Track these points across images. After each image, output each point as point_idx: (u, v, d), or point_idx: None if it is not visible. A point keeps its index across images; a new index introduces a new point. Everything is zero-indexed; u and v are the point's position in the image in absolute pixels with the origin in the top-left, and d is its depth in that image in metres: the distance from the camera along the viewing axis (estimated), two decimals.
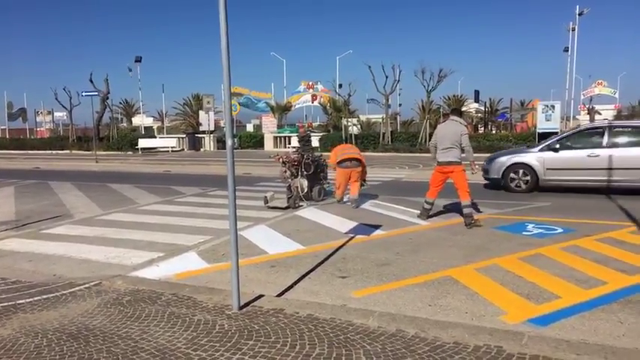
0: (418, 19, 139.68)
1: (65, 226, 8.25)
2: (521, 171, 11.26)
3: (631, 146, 10.56)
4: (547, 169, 11.04)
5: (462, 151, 7.79)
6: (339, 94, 34.43)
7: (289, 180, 9.97)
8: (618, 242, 6.52)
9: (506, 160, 11.60)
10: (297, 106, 41.59)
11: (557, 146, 11.15)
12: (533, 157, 11.24)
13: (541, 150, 11.34)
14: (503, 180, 11.42)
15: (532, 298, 4.61)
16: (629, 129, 11.17)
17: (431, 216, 8.33)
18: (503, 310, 4.34)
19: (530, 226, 7.56)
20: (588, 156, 10.65)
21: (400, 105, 45.03)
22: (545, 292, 4.75)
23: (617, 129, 11.12)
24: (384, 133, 27.55)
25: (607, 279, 5.06)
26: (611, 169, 10.42)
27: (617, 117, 54.63)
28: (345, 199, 9.97)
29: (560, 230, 7.27)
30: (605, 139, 10.72)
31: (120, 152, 31.81)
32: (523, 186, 11.21)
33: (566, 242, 6.57)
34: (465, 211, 7.68)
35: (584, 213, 8.49)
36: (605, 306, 4.38)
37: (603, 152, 10.52)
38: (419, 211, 8.37)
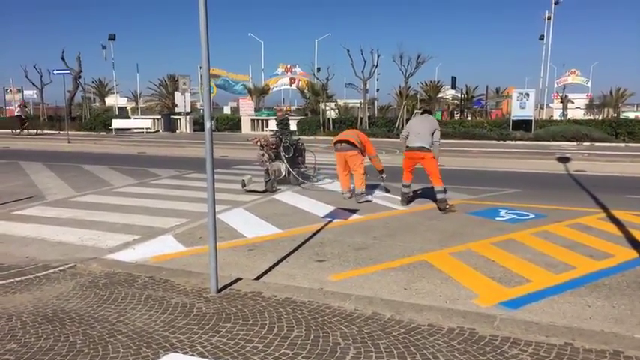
0: (399, 5, 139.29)
1: (38, 208, 8.09)
2: None
3: None
4: None
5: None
6: (317, 78, 34.27)
7: (267, 164, 9.94)
8: (587, 228, 6.72)
9: None
10: (274, 89, 41.25)
11: None
12: None
13: None
14: None
15: (504, 281, 4.74)
16: None
17: (409, 201, 8.43)
18: (476, 294, 4.45)
19: (503, 212, 7.73)
20: None
21: (378, 90, 45.15)
22: (516, 276, 4.89)
23: None
24: (361, 118, 27.59)
25: (576, 264, 5.23)
26: None
27: (589, 105, 55.81)
28: (348, 194, 8.94)
29: (531, 216, 7.45)
30: None
31: (93, 133, 31.15)
32: None
33: (538, 228, 6.74)
34: (439, 196, 7.81)
35: (556, 200, 8.71)
36: (573, 290, 4.52)
37: None
38: (399, 198, 8.44)
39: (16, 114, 31.65)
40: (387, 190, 9.46)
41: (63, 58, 33.77)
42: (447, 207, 7.72)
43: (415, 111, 8.92)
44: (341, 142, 8.97)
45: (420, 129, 7.96)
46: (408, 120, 27.00)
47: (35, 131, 29.71)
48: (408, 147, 8.03)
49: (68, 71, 29.79)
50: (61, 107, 34.90)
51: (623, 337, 3.48)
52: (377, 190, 9.52)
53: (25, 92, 44.48)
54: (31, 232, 6.55)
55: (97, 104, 50.48)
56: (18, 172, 12.54)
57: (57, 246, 5.95)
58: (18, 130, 29.43)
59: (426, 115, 8.33)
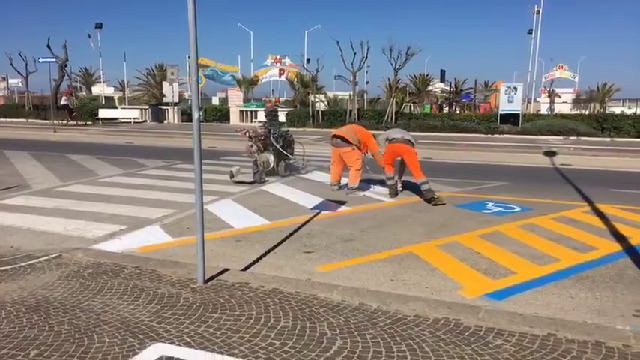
0: None
1: (22, 197, 7.99)
2: None
3: None
4: None
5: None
6: (306, 70, 34.10)
7: (255, 155, 9.91)
8: (572, 221, 6.80)
9: None
10: (263, 80, 41.00)
11: None
12: None
13: None
14: None
15: (489, 273, 4.79)
16: None
17: (396, 192, 8.45)
18: (462, 285, 4.49)
19: (489, 205, 7.79)
20: None
21: (367, 82, 45.00)
22: (501, 267, 4.94)
23: None
24: (350, 111, 27.56)
25: (560, 256, 5.29)
26: None
27: (576, 100, 56.26)
28: (336, 186, 8.94)
29: (518, 209, 7.52)
30: None
31: (79, 122, 30.75)
32: None
33: (524, 220, 6.81)
34: (424, 187, 7.85)
35: (542, 193, 8.80)
36: (557, 281, 4.59)
37: None
38: (387, 191, 8.47)
39: (62, 103, 28.86)
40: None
41: (49, 46, 33.16)
42: (435, 197, 7.77)
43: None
44: (335, 137, 8.89)
45: (401, 131, 8.54)
46: (397, 112, 27.06)
47: (84, 122, 27.61)
48: (392, 140, 8.26)
49: (54, 59, 29.30)
50: (47, 96, 34.39)
51: (605, 328, 3.54)
52: (377, 186, 9.25)
53: (10, 81, 43.83)
54: (15, 221, 6.47)
55: (84, 93, 49.84)
56: (2, 161, 12.37)
57: (42, 236, 5.90)
58: (65, 121, 27.34)
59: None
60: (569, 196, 8.50)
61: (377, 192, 8.80)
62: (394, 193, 8.38)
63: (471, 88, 45.94)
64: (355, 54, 27.84)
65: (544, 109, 43.15)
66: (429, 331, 3.39)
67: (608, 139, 21.89)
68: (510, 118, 24.64)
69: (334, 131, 9.15)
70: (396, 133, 8.43)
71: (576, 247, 5.63)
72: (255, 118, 29.60)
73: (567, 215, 7.14)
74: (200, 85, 36.23)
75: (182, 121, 31.58)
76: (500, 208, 7.56)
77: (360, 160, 8.78)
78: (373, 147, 8.93)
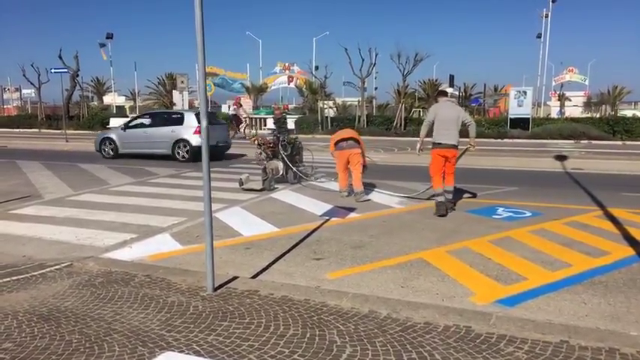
0: (396, 4, 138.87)
1: (34, 207, 8.07)
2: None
3: None
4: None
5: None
6: (315, 76, 34.27)
7: (264, 162, 9.94)
8: (584, 226, 6.73)
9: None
10: (272, 88, 41.28)
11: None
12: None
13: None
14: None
15: (500, 279, 4.75)
16: None
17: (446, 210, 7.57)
18: (473, 292, 4.45)
19: (500, 210, 7.73)
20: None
21: (376, 88, 45.04)
22: (513, 273, 4.89)
23: None
24: (359, 117, 27.59)
25: (572, 261, 5.23)
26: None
27: (587, 104, 55.83)
28: (345, 193, 8.94)
29: (529, 214, 7.46)
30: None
31: (91, 131, 31.08)
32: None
33: (535, 225, 6.74)
34: (451, 196, 7.70)
35: (553, 197, 8.72)
36: (569, 287, 4.53)
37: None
38: (394, 196, 8.39)
39: (230, 113, 27.25)
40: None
41: (60, 57, 33.75)
42: (452, 201, 7.72)
43: (444, 99, 7.84)
44: (346, 140, 8.86)
45: (450, 120, 7.38)
46: (406, 118, 26.99)
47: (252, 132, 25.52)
48: (440, 144, 7.38)
49: (66, 70, 29.73)
50: (59, 106, 34.84)
51: (619, 335, 3.49)
52: (376, 189, 9.38)
53: (23, 91, 44.47)
54: (27, 231, 6.53)
55: (95, 103, 50.39)
56: (15, 170, 12.51)
57: (53, 245, 5.94)
58: (232, 132, 24.64)
59: (448, 100, 7.95)
60: (580, 201, 8.42)
61: (386, 198, 8.77)
62: (444, 210, 7.37)
63: (481, 93, 45.88)
64: (363, 60, 27.97)
65: (554, 113, 42.82)
66: (439, 339, 3.37)
67: (619, 143, 21.70)
68: (520, 123, 24.53)
69: (340, 136, 9.05)
70: (448, 136, 7.34)
71: (588, 252, 5.56)
72: (265, 125, 29.70)
73: (579, 220, 7.06)
74: (210, 94, 36.47)
75: None
76: (510, 214, 7.50)
77: (362, 162, 8.86)
78: (364, 148, 9.19)
